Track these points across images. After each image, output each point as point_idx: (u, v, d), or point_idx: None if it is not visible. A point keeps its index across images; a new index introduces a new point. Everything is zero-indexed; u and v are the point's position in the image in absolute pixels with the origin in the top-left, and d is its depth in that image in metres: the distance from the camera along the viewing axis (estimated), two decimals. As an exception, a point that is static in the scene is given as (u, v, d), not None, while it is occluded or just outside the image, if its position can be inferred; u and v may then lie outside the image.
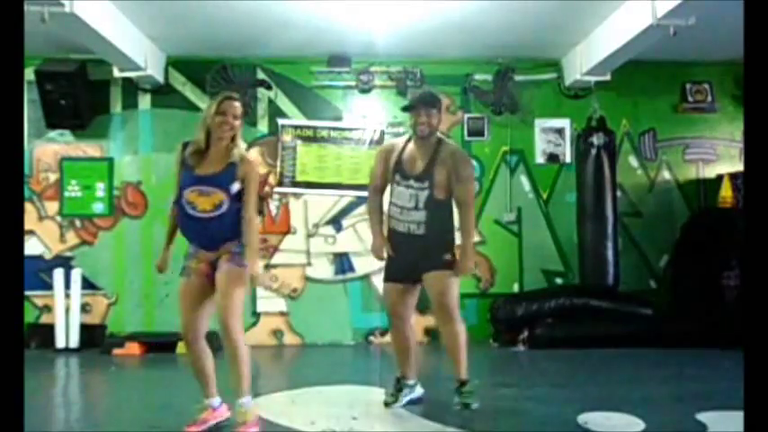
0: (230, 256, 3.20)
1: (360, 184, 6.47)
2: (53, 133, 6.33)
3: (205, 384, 3.30)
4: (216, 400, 3.31)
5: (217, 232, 3.21)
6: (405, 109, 3.79)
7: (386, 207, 3.77)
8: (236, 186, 3.21)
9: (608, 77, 6.20)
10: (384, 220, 3.76)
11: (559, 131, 6.61)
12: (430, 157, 3.60)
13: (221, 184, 3.19)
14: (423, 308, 6.41)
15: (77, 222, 6.33)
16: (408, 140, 3.73)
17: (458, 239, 3.67)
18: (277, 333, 6.35)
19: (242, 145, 3.32)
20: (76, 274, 6.06)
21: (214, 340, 6.13)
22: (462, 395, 3.57)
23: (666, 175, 6.71)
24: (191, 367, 3.33)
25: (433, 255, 3.56)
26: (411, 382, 3.76)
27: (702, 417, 3.37)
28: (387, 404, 3.69)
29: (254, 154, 3.20)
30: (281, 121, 6.46)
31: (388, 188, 3.73)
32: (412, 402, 3.72)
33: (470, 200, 3.65)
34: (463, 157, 3.73)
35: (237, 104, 3.27)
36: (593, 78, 6.20)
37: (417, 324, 6.34)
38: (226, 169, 3.21)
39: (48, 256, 6.27)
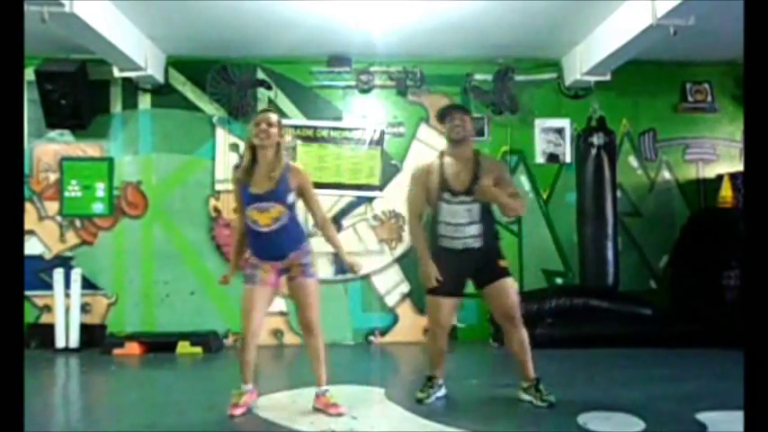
0: (302, 268, 3.57)
1: (360, 183, 6.48)
2: (53, 133, 6.33)
3: (249, 373, 3.62)
4: (250, 386, 3.65)
5: (282, 244, 3.51)
6: (439, 118, 3.86)
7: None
8: (291, 197, 3.50)
9: (608, 77, 6.19)
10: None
11: (559, 131, 6.61)
12: (473, 170, 3.68)
13: (278, 197, 3.46)
14: (423, 308, 6.45)
15: (77, 222, 6.33)
16: (442, 158, 3.80)
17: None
18: (277, 333, 6.35)
19: (286, 158, 3.60)
20: (76, 274, 6.06)
21: (213, 340, 6.18)
22: (540, 393, 3.69)
23: (666, 175, 6.71)
24: (239, 360, 3.65)
25: (491, 265, 3.71)
26: (441, 381, 3.93)
27: (702, 417, 3.37)
28: (419, 401, 3.77)
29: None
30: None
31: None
32: (438, 399, 3.88)
33: (523, 201, 3.77)
34: (503, 164, 3.96)
35: (272, 115, 3.58)
36: (593, 78, 6.20)
37: (417, 324, 6.38)
38: (279, 183, 3.47)
39: (48, 256, 6.27)
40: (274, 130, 3.53)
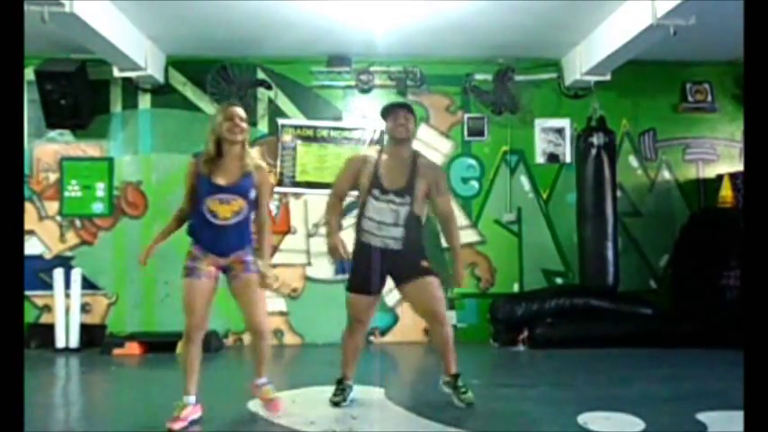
0: (245, 265, 3.44)
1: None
2: (53, 133, 6.33)
3: (191, 382, 3.42)
4: (194, 398, 3.43)
5: (233, 239, 3.42)
6: (383, 115, 3.76)
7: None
8: (253, 193, 3.44)
9: (608, 77, 6.20)
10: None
11: (559, 131, 6.61)
12: (410, 172, 3.62)
13: (241, 191, 3.39)
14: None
15: (77, 222, 6.34)
16: (381, 153, 3.72)
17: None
18: (277, 333, 6.35)
19: (251, 152, 3.58)
20: (76, 274, 6.06)
21: (213, 340, 6.18)
22: (459, 390, 3.69)
23: (666, 175, 6.72)
24: (182, 363, 3.47)
25: (410, 265, 3.62)
26: (350, 382, 3.84)
27: (702, 417, 3.37)
28: (336, 404, 3.70)
29: (257, 154, 3.46)
30: (281, 121, 6.46)
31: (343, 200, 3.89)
32: (352, 400, 3.80)
33: (453, 212, 3.84)
34: (441, 171, 3.99)
35: (241, 109, 3.52)
36: (593, 78, 6.20)
37: (417, 324, 6.37)
38: (244, 177, 3.41)
39: (48, 256, 6.27)
40: (246, 125, 3.48)
